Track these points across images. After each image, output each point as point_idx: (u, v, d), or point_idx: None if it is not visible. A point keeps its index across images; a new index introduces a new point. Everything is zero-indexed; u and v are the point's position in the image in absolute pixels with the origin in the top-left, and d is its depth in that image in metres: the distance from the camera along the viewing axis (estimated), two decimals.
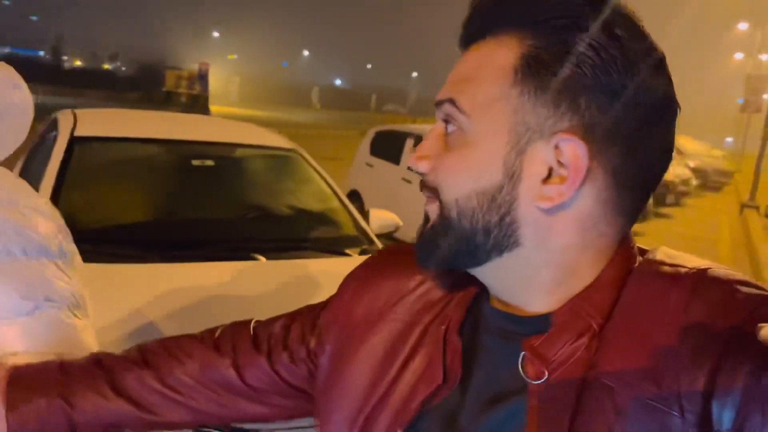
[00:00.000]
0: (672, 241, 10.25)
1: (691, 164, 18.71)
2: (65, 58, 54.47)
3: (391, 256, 0.82)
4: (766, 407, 0.48)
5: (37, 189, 2.79)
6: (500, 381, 0.63)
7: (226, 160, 3.24)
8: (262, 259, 2.62)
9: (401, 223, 3.40)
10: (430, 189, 0.64)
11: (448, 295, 0.72)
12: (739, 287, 0.55)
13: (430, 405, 0.66)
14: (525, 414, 0.58)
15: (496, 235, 0.61)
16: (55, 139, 3.15)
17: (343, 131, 31.04)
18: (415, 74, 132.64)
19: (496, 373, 0.64)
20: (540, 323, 0.61)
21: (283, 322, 0.85)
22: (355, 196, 7.51)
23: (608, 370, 0.55)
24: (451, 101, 0.61)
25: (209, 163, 3.13)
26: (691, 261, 0.60)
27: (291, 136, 3.99)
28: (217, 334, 0.88)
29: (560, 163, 0.58)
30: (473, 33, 0.64)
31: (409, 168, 0.68)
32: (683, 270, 0.58)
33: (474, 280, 0.69)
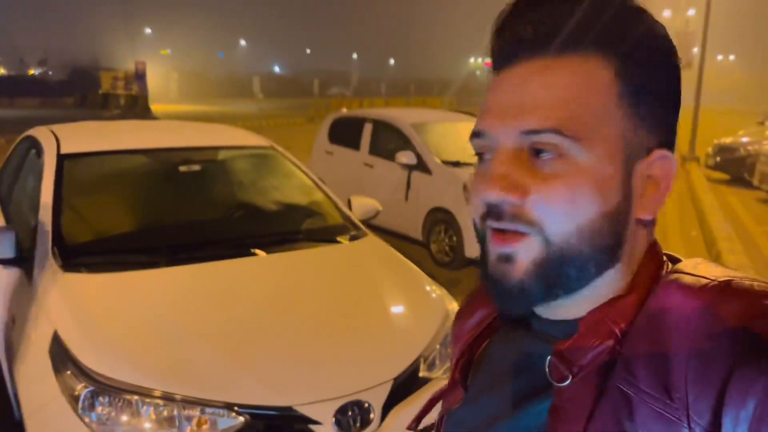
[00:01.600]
0: None
1: None
2: None
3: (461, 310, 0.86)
4: None
5: (33, 208, 2.89)
6: (530, 384, 0.65)
7: (210, 164, 3.38)
8: (262, 253, 2.79)
9: (381, 208, 3.60)
10: (526, 222, 0.59)
11: (486, 313, 0.78)
12: (760, 300, 0.54)
13: (448, 410, 0.76)
14: (547, 413, 0.60)
15: (609, 255, 0.61)
16: (40, 158, 3.23)
17: (290, 119, 30.85)
18: (355, 56, 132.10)
19: (529, 378, 0.66)
20: (571, 327, 0.62)
21: None
22: None
23: (625, 377, 0.56)
24: (556, 131, 0.58)
25: (196, 168, 3.26)
26: (718, 272, 0.59)
27: (246, 129, 4.12)
28: None
29: (651, 177, 0.62)
30: (534, 48, 0.61)
31: (484, 201, 0.61)
32: (704, 281, 0.57)
33: None
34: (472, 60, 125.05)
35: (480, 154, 0.65)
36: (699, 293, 0.56)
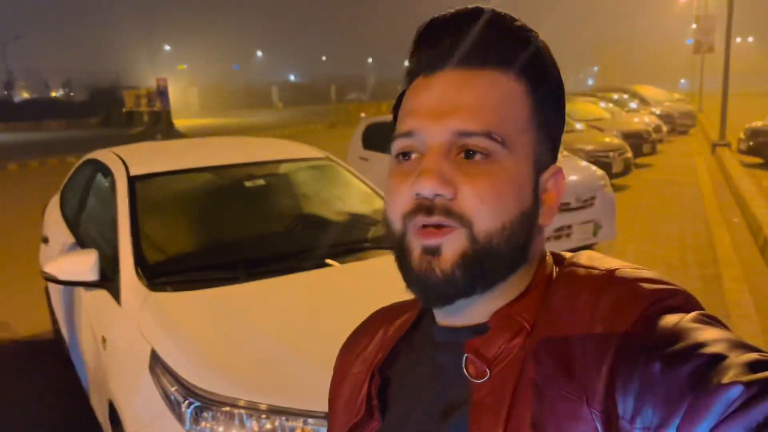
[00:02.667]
0: (656, 189, 10.65)
1: (657, 111, 19.23)
2: (6, 92, 53.11)
3: (350, 337, 0.88)
4: (657, 392, 0.51)
5: (109, 230, 2.97)
6: (451, 394, 0.66)
7: (273, 177, 3.44)
8: (336, 264, 2.84)
9: None
10: (456, 216, 0.62)
11: (384, 338, 0.79)
12: (641, 284, 0.60)
13: None
14: (469, 411, 0.62)
15: (522, 253, 0.66)
16: (108, 181, 3.32)
17: (310, 126, 31.09)
18: (370, 60, 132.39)
19: (447, 388, 0.67)
20: (481, 330, 0.66)
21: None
22: None
23: (535, 365, 0.60)
24: (487, 134, 0.62)
25: (260, 182, 3.32)
26: (607, 263, 0.65)
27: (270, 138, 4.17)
28: None
29: (547, 189, 0.68)
30: (460, 59, 0.65)
31: (419, 194, 0.63)
32: (595, 272, 0.63)
33: (407, 312, 0.79)
34: None
35: (403, 154, 0.67)
36: (590, 282, 0.62)
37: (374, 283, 2.79)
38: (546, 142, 0.67)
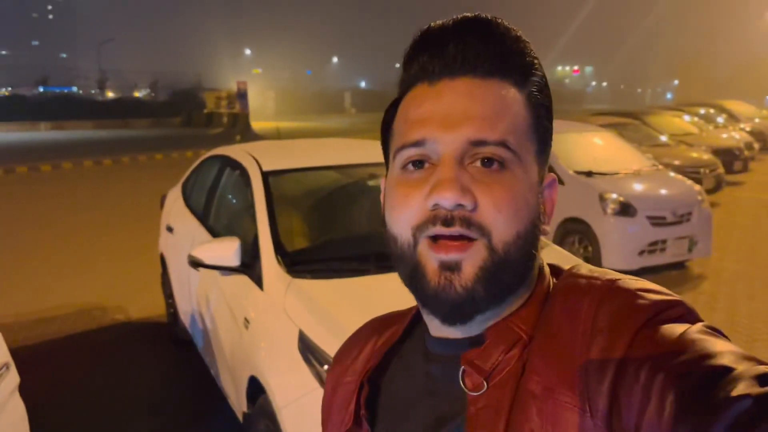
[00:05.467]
0: (750, 208, 10.27)
1: (747, 128, 18.45)
2: (98, 91, 56.10)
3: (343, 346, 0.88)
4: (664, 401, 0.50)
5: (247, 220, 3.19)
6: (445, 405, 0.65)
7: None
8: None
9: None
10: (476, 227, 0.60)
11: (374, 347, 0.79)
12: (643, 294, 0.59)
13: None
14: (464, 425, 0.61)
15: (533, 263, 0.66)
16: (241, 175, 3.56)
17: None
18: None
19: (441, 400, 0.66)
20: (477, 342, 0.65)
21: None
22: None
23: (534, 377, 0.59)
24: (504, 143, 0.62)
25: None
26: (608, 274, 0.63)
27: None
28: None
29: (547, 198, 0.69)
30: (468, 68, 0.64)
31: (435, 204, 0.61)
32: (596, 282, 0.62)
33: (397, 323, 0.79)
34: (559, 68, 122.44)
35: (414, 163, 0.64)
36: (592, 292, 0.61)
37: None
38: (545, 152, 0.68)
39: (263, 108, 56.05)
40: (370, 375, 0.75)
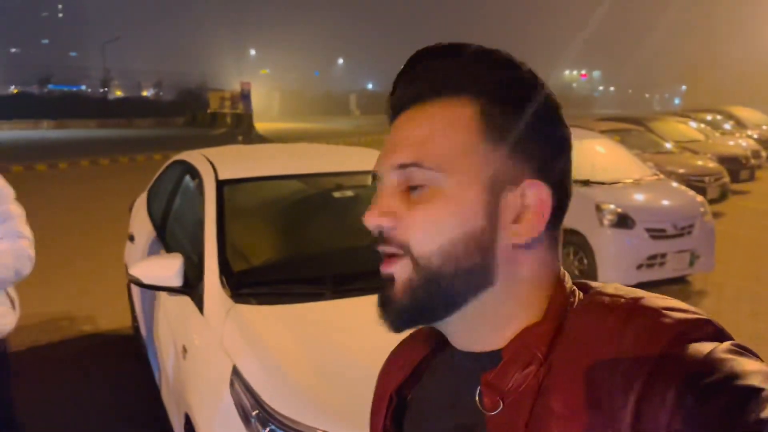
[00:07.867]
0: (756, 219, 9.94)
1: (754, 135, 18.06)
2: (103, 90, 56.06)
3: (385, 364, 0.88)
4: (690, 425, 0.49)
5: (195, 235, 2.90)
6: (466, 420, 0.66)
7: (362, 189, 3.29)
8: None
9: None
10: (397, 244, 0.65)
11: (407, 360, 0.80)
12: (670, 312, 0.58)
13: None
14: None
15: (477, 275, 0.64)
16: (196, 183, 3.26)
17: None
18: None
19: (463, 414, 0.67)
20: (495, 358, 0.65)
21: None
22: None
23: (552, 396, 0.58)
24: (417, 165, 0.64)
25: (349, 193, 3.19)
26: (633, 292, 0.63)
27: (345, 145, 4.01)
28: None
29: (526, 205, 0.65)
30: (413, 97, 0.68)
31: (369, 228, 0.68)
32: (621, 300, 0.61)
33: (432, 334, 0.77)
34: (567, 72, 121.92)
35: None
36: (616, 311, 0.60)
37: None
38: (515, 159, 0.65)
39: (268, 109, 55.87)
40: (400, 388, 0.78)
